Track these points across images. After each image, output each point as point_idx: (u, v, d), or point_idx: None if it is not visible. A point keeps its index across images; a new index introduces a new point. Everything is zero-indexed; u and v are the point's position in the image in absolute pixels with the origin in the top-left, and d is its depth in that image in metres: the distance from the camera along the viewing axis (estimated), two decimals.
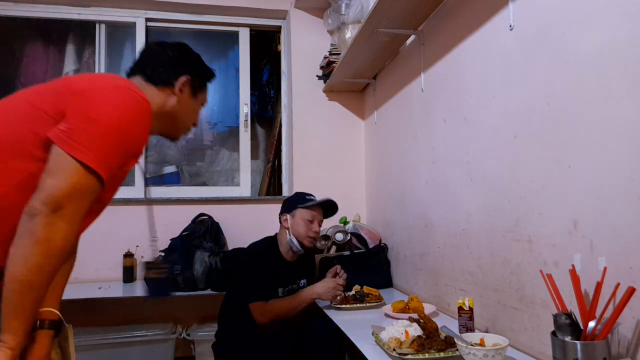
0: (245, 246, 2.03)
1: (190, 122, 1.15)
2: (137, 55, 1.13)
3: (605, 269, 0.96)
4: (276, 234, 2.00)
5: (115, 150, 0.87)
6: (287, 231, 1.93)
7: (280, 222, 1.98)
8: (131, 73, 1.09)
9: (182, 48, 1.14)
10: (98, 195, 0.88)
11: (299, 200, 1.95)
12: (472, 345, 1.13)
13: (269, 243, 1.95)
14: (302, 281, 1.99)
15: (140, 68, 1.08)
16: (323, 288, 1.81)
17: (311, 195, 1.99)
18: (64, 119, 0.85)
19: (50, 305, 0.96)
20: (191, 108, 1.13)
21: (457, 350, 1.18)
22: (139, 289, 2.35)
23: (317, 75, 2.76)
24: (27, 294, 0.80)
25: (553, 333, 0.99)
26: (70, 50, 2.91)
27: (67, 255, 0.85)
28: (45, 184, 0.81)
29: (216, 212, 2.60)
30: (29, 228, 0.79)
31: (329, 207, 1.99)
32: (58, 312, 0.98)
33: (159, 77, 1.06)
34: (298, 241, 1.90)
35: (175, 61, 1.09)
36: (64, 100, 0.88)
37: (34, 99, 0.90)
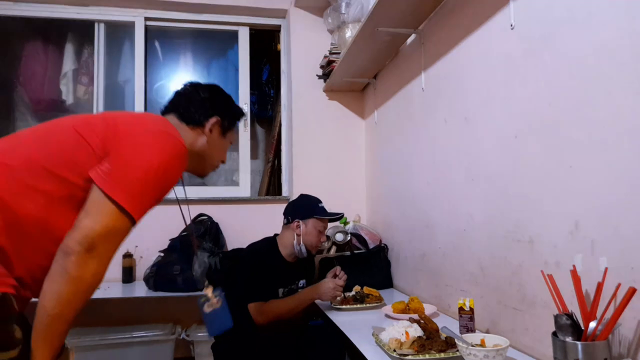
0: (245, 246, 2.02)
1: (219, 161, 1.20)
2: (172, 94, 1.19)
3: (606, 269, 0.95)
4: (276, 234, 1.99)
5: (152, 194, 0.92)
6: (296, 237, 1.89)
7: (287, 224, 1.94)
8: (165, 111, 1.15)
9: (213, 90, 1.21)
10: None
11: (314, 209, 1.91)
12: (472, 346, 1.13)
13: (269, 244, 1.94)
14: (302, 282, 1.99)
15: (174, 107, 1.15)
16: (323, 289, 1.80)
17: (321, 201, 1.97)
18: (107, 159, 0.90)
19: None
20: (220, 147, 1.18)
21: (457, 351, 1.17)
22: (138, 290, 2.35)
23: (317, 75, 2.75)
24: (56, 326, 0.85)
25: (554, 334, 0.99)
26: (69, 50, 2.90)
27: (95, 289, 0.89)
28: (81, 224, 0.85)
29: (216, 212, 2.59)
30: (63, 265, 0.83)
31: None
32: None
33: (190, 117, 1.13)
34: (307, 249, 1.90)
35: (206, 102, 1.15)
36: (109, 139, 0.92)
37: (83, 130, 0.94)
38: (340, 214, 1.97)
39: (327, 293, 1.80)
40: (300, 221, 1.89)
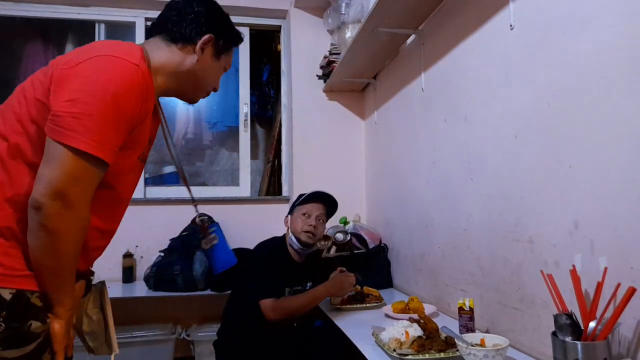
0: (245, 247, 2.03)
1: (210, 86, 1.08)
2: (164, 8, 1.05)
3: (605, 269, 0.95)
4: (284, 235, 2.02)
5: (109, 126, 0.82)
6: (287, 231, 1.97)
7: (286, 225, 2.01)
8: (154, 28, 1.03)
9: (209, 4, 1.06)
10: (108, 181, 0.89)
11: (296, 200, 2.00)
12: (472, 345, 1.13)
13: (278, 242, 1.96)
14: (309, 284, 1.99)
15: (162, 23, 1.02)
16: (338, 284, 1.80)
17: (305, 194, 2.00)
18: (51, 106, 0.83)
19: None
20: (212, 70, 1.05)
21: (457, 350, 1.17)
22: (138, 289, 2.35)
23: (317, 75, 2.75)
24: (59, 274, 0.85)
25: (554, 333, 0.99)
26: (69, 50, 2.89)
27: (85, 231, 0.85)
28: (41, 173, 0.80)
29: (216, 213, 2.59)
30: (38, 220, 0.79)
31: (324, 200, 1.97)
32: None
33: (180, 33, 1.00)
34: (296, 237, 1.90)
35: (199, 17, 1.01)
36: (50, 87, 0.85)
37: (29, 89, 0.88)
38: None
39: (344, 288, 1.80)
40: (289, 216, 1.98)
